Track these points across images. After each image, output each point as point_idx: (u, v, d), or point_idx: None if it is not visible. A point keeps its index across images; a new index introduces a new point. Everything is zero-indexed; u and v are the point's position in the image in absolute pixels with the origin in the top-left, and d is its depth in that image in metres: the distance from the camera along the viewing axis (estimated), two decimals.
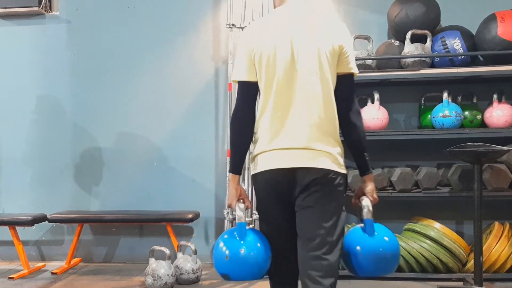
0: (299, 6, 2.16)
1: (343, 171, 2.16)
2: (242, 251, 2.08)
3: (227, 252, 2.10)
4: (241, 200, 2.21)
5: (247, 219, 4.13)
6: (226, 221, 4.30)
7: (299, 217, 2.13)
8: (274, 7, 2.24)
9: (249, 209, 4.18)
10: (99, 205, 4.76)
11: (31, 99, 4.82)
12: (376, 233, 2.12)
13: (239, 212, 2.15)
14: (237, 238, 2.10)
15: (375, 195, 2.22)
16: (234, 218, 4.20)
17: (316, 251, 2.07)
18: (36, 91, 4.82)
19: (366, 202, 2.17)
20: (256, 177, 2.17)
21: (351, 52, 2.15)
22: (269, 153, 2.12)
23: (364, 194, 2.23)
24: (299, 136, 2.09)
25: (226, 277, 2.19)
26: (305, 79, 2.08)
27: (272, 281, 2.24)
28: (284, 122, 2.10)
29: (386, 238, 2.13)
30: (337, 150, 2.17)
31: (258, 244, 2.10)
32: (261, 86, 2.14)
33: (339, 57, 2.12)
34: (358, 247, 2.12)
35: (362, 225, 2.16)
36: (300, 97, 2.09)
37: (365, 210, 2.15)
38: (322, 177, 2.08)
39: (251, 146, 2.23)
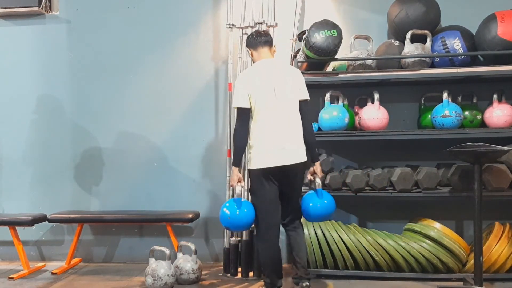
0: (272, 61, 3.55)
1: (306, 159, 3.49)
2: (238, 214, 3.41)
3: (229, 213, 3.42)
4: (239, 183, 3.50)
5: None
6: None
7: (285, 189, 3.47)
8: (253, 62, 3.60)
9: None
10: (99, 205, 4.76)
11: (31, 99, 4.82)
12: (322, 197, 3.56)
13: (238, 191, 3.48)
14: (236, 206, 3.42)
15: (321, 174, 3.63)
16: None
17: (296, 205, 3.57)
18: (36, 91, 4.82)
19: (318, 180, 3.60)
20: (255, 170, 3.42)
21: (305, 87, 3.53)
22: (264, 154, 3.39)
23: (315, 173, 3.61)
24: (286, 142, 3.39)
25: (228, 228, 3.77)
26: (283, 106, 3.42)
27: (263, 226, 3.47)
28: (273, 133, 3.38)
29: (326, 201, 3.56)
30: (304, 148, 3.49)
31: (246, 210, 3.43)
32: (253, 110, 3.42)
33: (299, 91, 3.49)
34: (311, 204, 3.54)
35: (315, 191, 3.60)
36: (281, 117, 3.41)
37: (317, 184, 3.59)
38: (298, 167, 3.43)
39: (248, 149, 3.50)
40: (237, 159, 3.46)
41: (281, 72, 3.49)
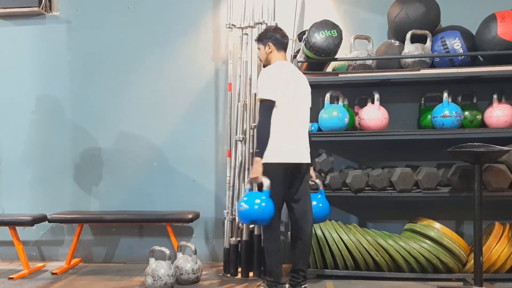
0: (291, 64, 3.72)
1: None
2: (268, 206, 3.34)
3: (263, 205, 3.32)
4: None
5: None
6: (226, 221, 4.29)
7: (299, 189, 3.54)
8: (267, 58, 3.62)
9: None
10: (99, 205, 4.76)
11: (31, 99, 4.82)
12: (319, 200, 3.70)
13: (267, 182, 3.36)
14: (263, 197, 3.34)
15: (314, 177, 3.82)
16: (234, 219, 4.24)
17: (308, 209, 3.59)
18: (36, 91, 4.82)
19: (319, 181, 3.78)
20: (273, 164, 3.41)
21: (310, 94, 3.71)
22: (283, 150, 3.43)
23: (312, 176, 3.74)
24: (302, 141, 3.54)
25: (254, 222, 3.51)
26: (300, 107, 3.55)
27: (275, 221, 3.46)
28: (293, 131, 3.49)
29: (321, 204, 3.69)
30: None
31: (270, 202, 3.37)
32: (275, 106, 3.42)
33: (309, 97, 3.66)
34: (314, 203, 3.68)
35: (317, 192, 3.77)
36: (300, 118, 3.54)
37: (319, 184, 3.76)
38: (309, 167, 3.61)
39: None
40: (263, 151, 3.42)
41: (299, 76, 3.62)
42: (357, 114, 4.29)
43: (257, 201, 3.33)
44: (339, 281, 3.96)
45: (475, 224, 3.61)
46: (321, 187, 3.75)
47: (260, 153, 3.41)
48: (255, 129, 3.50)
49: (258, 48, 3.70)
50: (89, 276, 4.31)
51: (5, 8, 4.72)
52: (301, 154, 3.50)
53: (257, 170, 3.41)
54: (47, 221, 4.49)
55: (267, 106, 3.42)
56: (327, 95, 4.14)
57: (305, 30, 4.12)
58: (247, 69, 4.31)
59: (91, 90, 4.78)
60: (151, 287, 3.81)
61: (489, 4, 4.18)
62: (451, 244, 3.88)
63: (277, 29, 3.65)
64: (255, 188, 3.59)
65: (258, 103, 3.51)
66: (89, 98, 4.78)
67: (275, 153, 3.41)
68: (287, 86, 3.47)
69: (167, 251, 3.89)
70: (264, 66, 3.74)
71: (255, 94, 4.23)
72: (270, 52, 3.59)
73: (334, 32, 3.96)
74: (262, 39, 3.64)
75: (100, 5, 4.76)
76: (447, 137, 4.00)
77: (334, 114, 4.06)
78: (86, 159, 4.79)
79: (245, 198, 3.40)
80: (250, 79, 4.29)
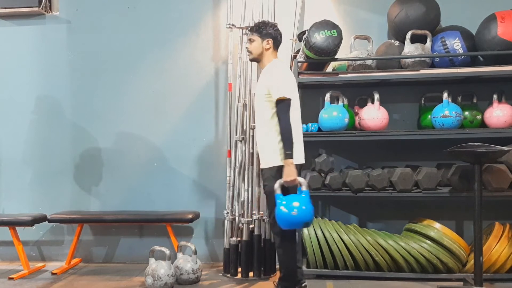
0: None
1: None
2: (311, 205, 3.27)
3: (310, 205, 3.24)
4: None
5: (247, 219, 4.15)
6: (226, 221, 4.29)
7: (294, 189, 3.39)
8: (265, 54, 3.50)
9: (249, 211, 4.19)
10: (99, 205, 4.76)
11: (31, 99, 4.82)
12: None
13: (305, 182, 3.32)
14: (305, 196, 3.27)
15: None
16: (234, 219, 4.24)
17: None
18: (36, 91, 4.82)
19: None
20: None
21: None
22: (297, 151, 3.36)
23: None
24: (302, 140, 3.50)
25: (307, 224, 3.32)
26: (299, 108, 3.53)
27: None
28: (298, 132, 3.45)
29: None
30: None
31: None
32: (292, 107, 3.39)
33: None
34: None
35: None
36: (299, 117, 3.51)
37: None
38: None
39: (274, 144, 3.39)
40: (292, 152, 3.30)
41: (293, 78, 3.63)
42: (357, 114, 4.29)
43: (301, 203, 3.22)
44: (339, 281, 3.96)
45: (475, 224, 3.61)
46: (305, 188, 3.65)
47: (291, 154, 3.28)
48: (280, 130, 3.32)
49: (252, 40, 3.52)
50: (89, 276, 4.30)
51: (5, 8, 4.72)
52: (303, 153, 3.51)
53: (293, 171, 3.27)
54: (47, 221, 4.49)
55: (287, 105, 3.35)
56: (327, 95, 4.14)
57: (305, 30, 4.12)
58: (247, 69, 4.30)
59: (91, 90, 4.78)
60: (151, 287, 3.81)
61: (489, 4, 4.19)
62: (451, 244, 3.88)
63: (277, 28, 3.58)
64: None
65: (268, 104, 3.39)
66: (89, 98, 4.78)
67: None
68: (293, 85, 3.48)
69: (167, 251, 3.89)
70: (252, 59, 3.60)
71: (254, 94, 4.22)
72: (268, 48, 3.50)
73: (334, 32, 3.96)
74: (261, 31, 3.49)
75: (100, 5, 4.76)
76: (447, 137, 4.00)
77: (334, 114, 4.06)
78: (86, 159, 4.79)
79: (285, 202, 3.24)
80: (250, 79, 4.29)
